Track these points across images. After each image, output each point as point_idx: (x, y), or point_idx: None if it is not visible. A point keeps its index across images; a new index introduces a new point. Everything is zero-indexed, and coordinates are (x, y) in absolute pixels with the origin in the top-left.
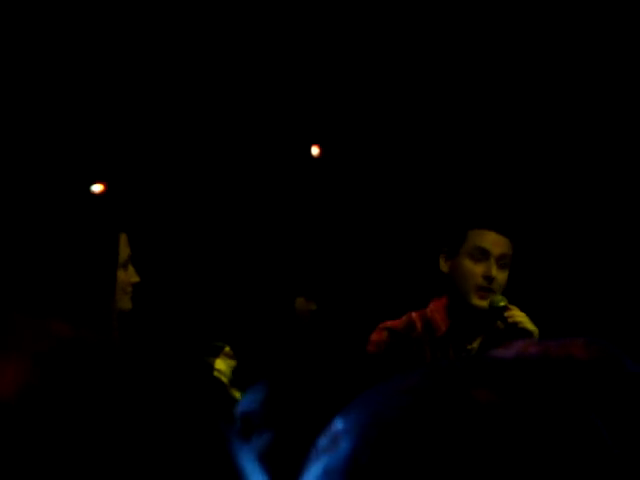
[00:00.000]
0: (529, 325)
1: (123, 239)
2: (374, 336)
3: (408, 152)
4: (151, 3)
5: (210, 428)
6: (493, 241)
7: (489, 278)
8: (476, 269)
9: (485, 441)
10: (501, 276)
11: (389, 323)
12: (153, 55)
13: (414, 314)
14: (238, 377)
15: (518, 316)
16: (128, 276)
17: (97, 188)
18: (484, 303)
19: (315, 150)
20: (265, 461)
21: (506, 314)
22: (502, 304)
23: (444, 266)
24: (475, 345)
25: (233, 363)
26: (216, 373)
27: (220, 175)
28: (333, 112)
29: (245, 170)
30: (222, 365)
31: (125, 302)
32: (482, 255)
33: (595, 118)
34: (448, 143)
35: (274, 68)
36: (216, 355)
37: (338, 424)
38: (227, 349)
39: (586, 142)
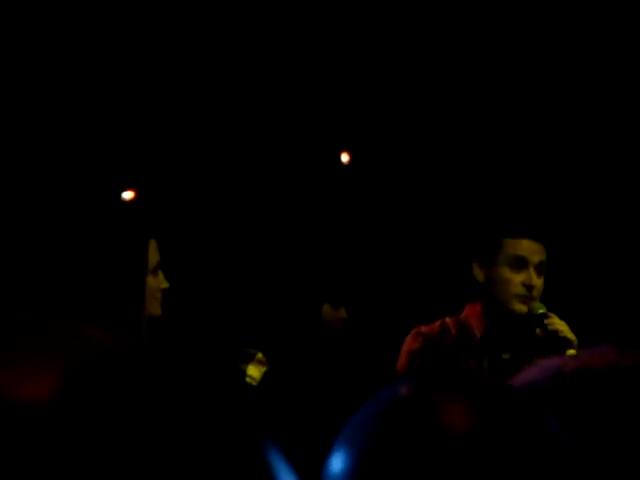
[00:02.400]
0: (569, 334)
1: (152, 245)
2: (408, 343)
3: (440, 158)
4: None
5: (243, 429)
6: (530, 249)
7: (530, 287)
8: (516, 278)
9: (451, 443)
10: (540, 283)
11: (424, 328)
12: (187, 68)
13: (448, 319)
14: (269, 383)
15: (558, 324)
16: (157, 282)
17: (127, 195)
18: (525, 308)
19: (345, 157)
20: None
21: (546, 322)
22: (541, 311)
23: (479, 274)
24: (509, 354)
25: (265, 369)
26: (248, 379)
27: (250, 182)
28: (361, 118)
29: (275, 177)
30: (254, 371)
31: (154, 308)
32: (521, 263)
33: (615, 122)
34: (479, 150)
35: (307, 80)
36: (248, 361)
37: (337, 442)
38: (259, 355)
39: (612, 144)
